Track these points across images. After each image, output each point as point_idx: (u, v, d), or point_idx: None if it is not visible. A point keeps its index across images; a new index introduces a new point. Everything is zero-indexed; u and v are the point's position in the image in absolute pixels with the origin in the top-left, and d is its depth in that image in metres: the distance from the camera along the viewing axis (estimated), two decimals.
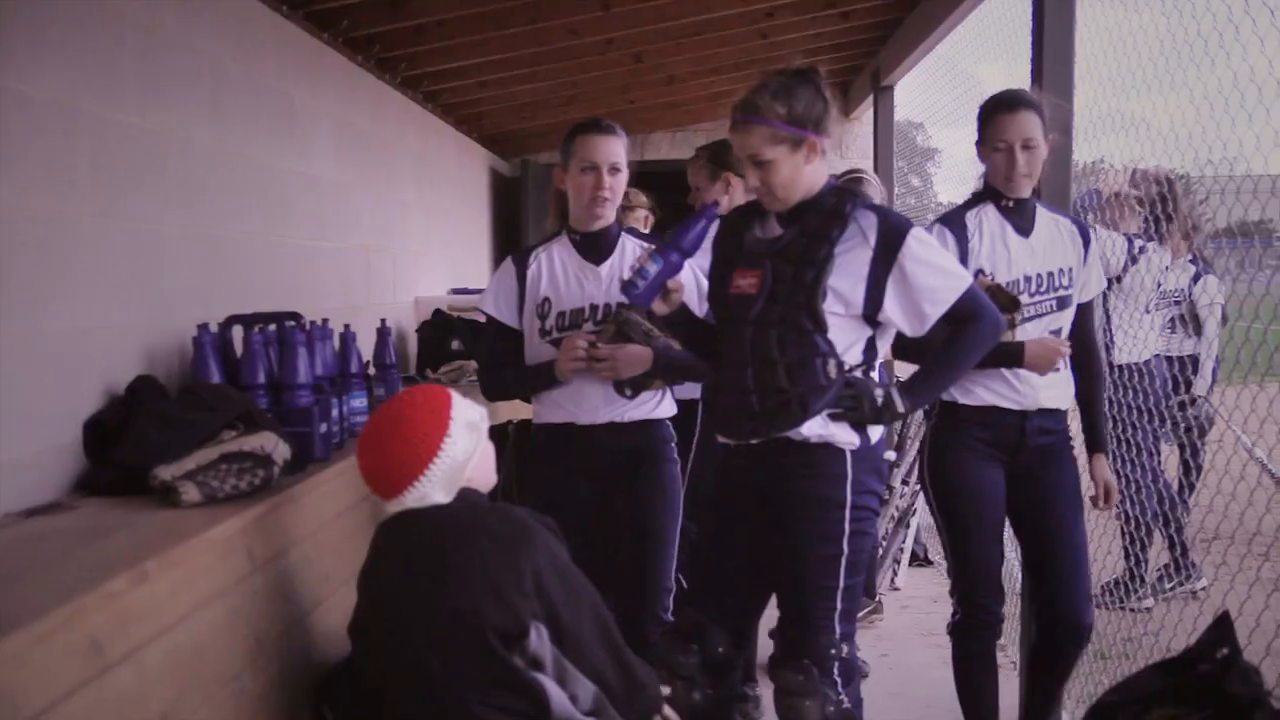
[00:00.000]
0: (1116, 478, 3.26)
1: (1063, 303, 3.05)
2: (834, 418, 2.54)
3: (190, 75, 3.15)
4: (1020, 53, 3.68)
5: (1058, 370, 3.04)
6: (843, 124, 8.37)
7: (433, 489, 2.28)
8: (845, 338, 2.53)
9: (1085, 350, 3.12)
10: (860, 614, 4.44)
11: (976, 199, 3.11)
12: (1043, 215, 3.08)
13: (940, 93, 6.17)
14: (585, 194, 3.03)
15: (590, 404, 3.05)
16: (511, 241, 7.89)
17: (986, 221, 3.06)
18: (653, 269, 2.66)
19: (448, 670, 2.16)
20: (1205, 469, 5.17)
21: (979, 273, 2.99)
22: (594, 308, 3.04)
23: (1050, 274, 3.04)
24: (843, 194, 2.58)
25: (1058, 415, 3.12)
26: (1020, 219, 3.05)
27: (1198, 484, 5.11)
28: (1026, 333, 2.99)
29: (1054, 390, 3.07)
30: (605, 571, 3.12)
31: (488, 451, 2.43)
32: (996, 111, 3.00)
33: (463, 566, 2.19)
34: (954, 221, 3.07)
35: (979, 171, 3.13)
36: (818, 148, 2.56)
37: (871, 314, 2.53)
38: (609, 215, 3.09)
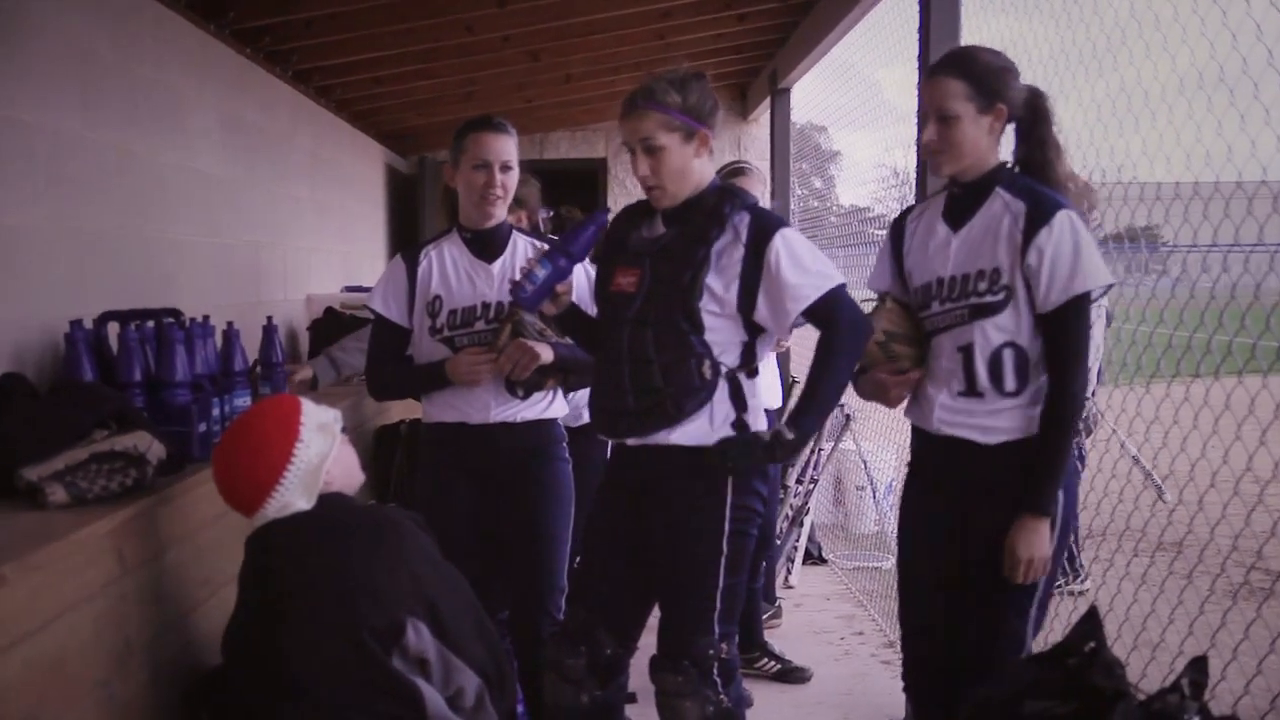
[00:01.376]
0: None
1: (979, 311, 2.49)
2: (732, 472, 2.53)
3: (61, 64, 3.05)
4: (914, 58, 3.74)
5: (896, 402, 2.72)
6: (740, 125, 8.46)
7: (293, 496, 2.27)
8: (723, 339, 2.55)
9: (1049, 375, 2.46)
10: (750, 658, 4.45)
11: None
12: (995, 201, 2.50)
13: (841, 96, 6.26)
14: (476, 191, 3.01)
15: (481, 403, 3.02)
16: (408, 239, 7.80)
17: (928, 214, 2.67)
18: (541, 273, 2.67)
19: (322, 677, 2.13)
20: (1095, 470, 5.30)
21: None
22: (485, 306, 3.02)
23: (966, 277, 2.52)
24: (724, 195, 2.60)
25: (980, 454, 2.53)
26: (960, 207, 2.57)
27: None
28: (941, 346, 2.59)
29: (957, 418, 2.57)
30: (496, 571, 3.11)
31: (345, 452, 2.41)
32: None
33: (333, 571, 2.17)
34: (899, 219, 2.77)
35: (879, 175, 3.03)
36: (708, 142, 2.60)
37: (747, 312, 2.54)
38: (500, 213, 3.07)
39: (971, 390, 2.52)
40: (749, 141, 8.44)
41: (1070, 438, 2.42)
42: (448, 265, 3.06)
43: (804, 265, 2.51)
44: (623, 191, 8.43)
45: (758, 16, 6.09)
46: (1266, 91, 2.42)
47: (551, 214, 4.09)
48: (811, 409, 2.50)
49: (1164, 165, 2.93)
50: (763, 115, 7.87)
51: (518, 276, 2.72)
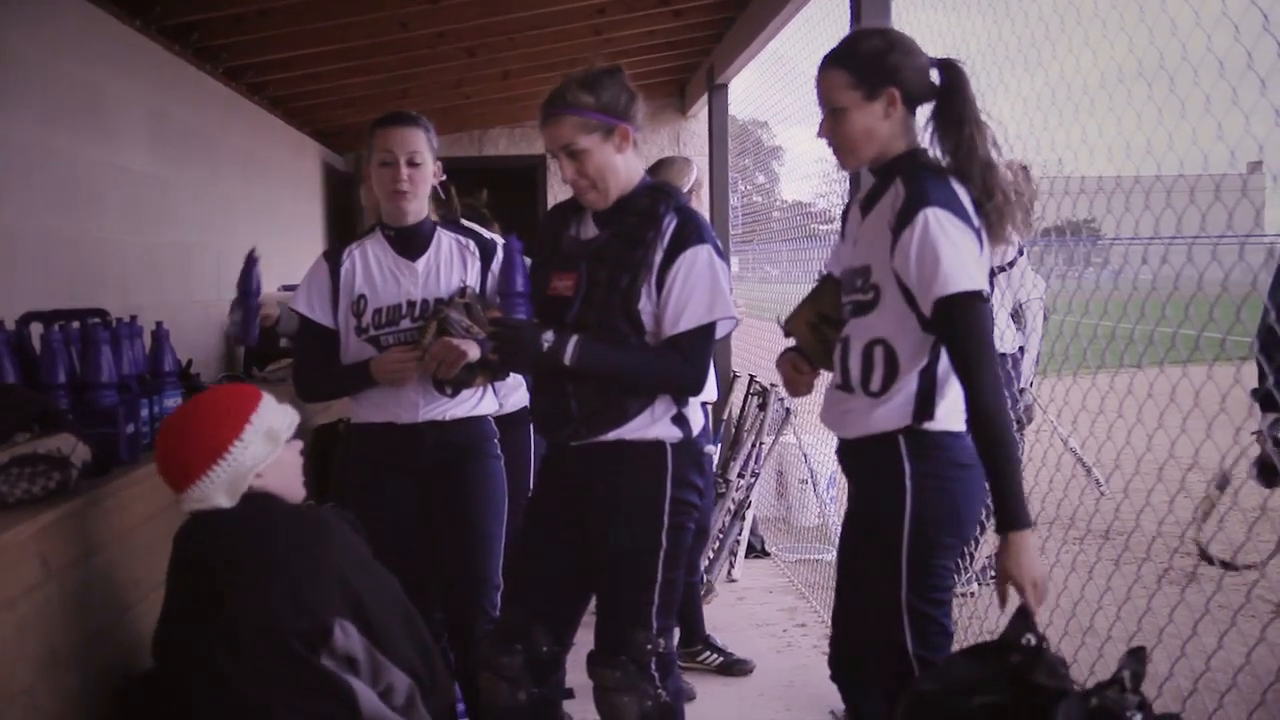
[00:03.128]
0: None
1: (859, 308, 2.40)
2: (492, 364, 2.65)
3: None
4: None
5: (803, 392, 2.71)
6: (679, 121, 8.48)
7: (213, 491, 2.25)
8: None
9: (962, 385, 2.30)
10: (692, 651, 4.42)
11: None
12: (890, 192, 2.36)
13: (781, 92, 6.29)
14: (385, 187, 2.98)
15: (410, 403, 3.00)
16: (346, 236, 7.71)
17: (854, 207, 2.55)
18: None
19: (248, 680, 2.11)
20: (1024, 460, 5.36)
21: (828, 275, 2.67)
22: (411, 304, 2.99)
23: (853, 271, 2.44)
24: (656, 194, 2.60)
25: (847, 446, 2.53)
26: (872, 196, 2.44)
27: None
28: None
29: (830, 410, 2.55)
30: (431, 571, 3.09)
31: (287, 461, 2.36)
32: None
33: (257, 573, 2.15)
34: (851, 203, 2.64)
35: (824, 170, 2.93)
36: (629, 136, 2.58)
37: None
38: (412, 209, 3.02)
39: (845, 384, 2.45)
40: (688, 137, 8.46)
41: (1003, 439, 2.23)
42: (371, 264, 3.03)
43: (703, 289, 2.51)
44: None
45: (693, 12, 6.10)
46: (1182, 85, 2.45)
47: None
48: (601, 366, 2.53)
49: (1088, 158, 2.96)
50: (701, 111, 7.89)
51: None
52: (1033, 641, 2.14)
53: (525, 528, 2.78)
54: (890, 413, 2.35)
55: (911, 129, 2.41)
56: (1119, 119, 2.75)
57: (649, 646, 2.57)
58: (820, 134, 2.44)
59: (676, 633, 2.78)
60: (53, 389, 2.71)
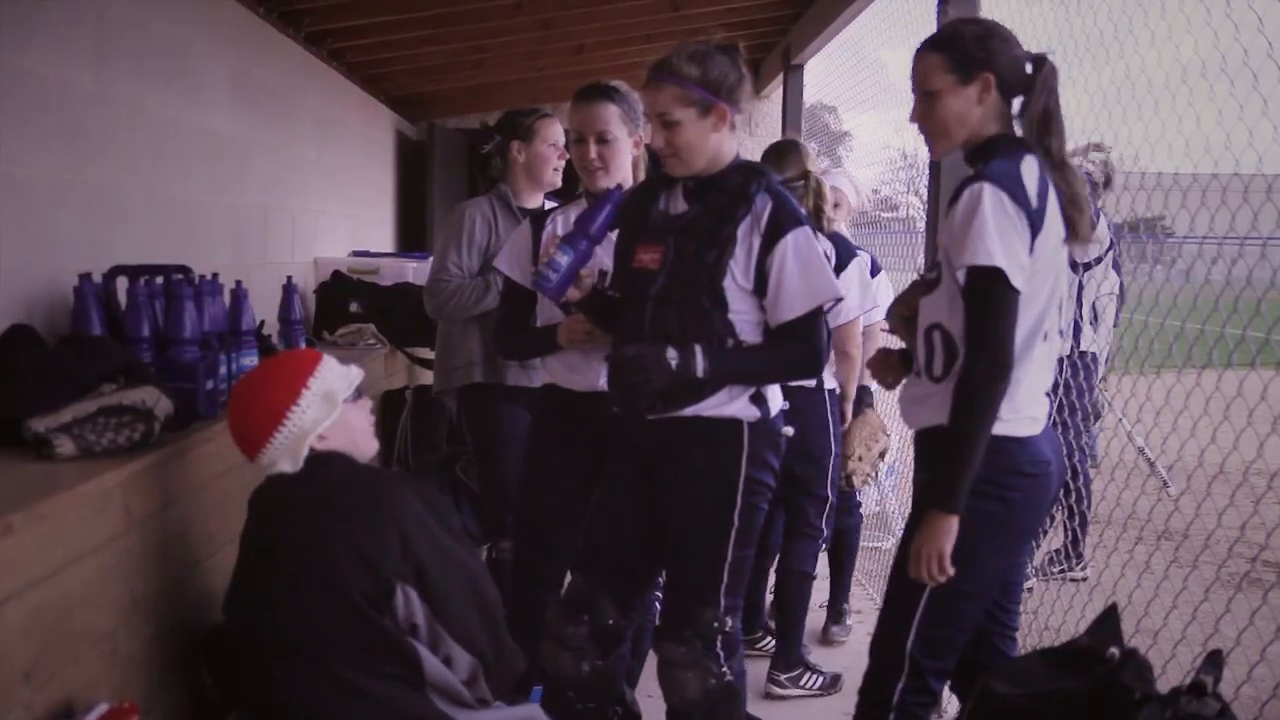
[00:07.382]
0: None
1: (926, 288, 2.42)
2: (625, 400, 2.54)
3: (72, 17, 3.03)
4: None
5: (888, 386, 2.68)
6: (753, 101, 8.40)
7: (278, 456, 2.31)
8: (744, 317, 2.53)
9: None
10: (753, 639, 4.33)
11: None
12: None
13: (851, 76, 6.23)
14: (579, 162, 3.01)
15: (592, 370, 2.95)
16: (417, 205, 7.76)
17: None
18: (563, 259, 2.65)
19: (316, 638, 2.14)
20: (1100, 456, 5.29)
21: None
22: (603, 273, 2.93)
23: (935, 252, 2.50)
24: (749, 173, 2.57)
25: (920, 435, 2.50)
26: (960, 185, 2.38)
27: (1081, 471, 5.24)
28: None
29: (906, 405, 2.52)
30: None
31: (352, 421, 2.39)
32: None
33: (319, 534, 2.19)
34: None
35: (891, 156, 2.91)
36: (727, 116, 2.53)
37: (762, 295, 2.52)
38: (608, 182, 2.98)
39: (916, 370, 2.45)
40: (760, 118, 8.38)
41: (970, 424, 2.20)
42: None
43: (811, 272, 2.49)
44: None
45: None
46: (1265, 82, 2.39)
47: None
48: (732, 369, 2.53)
49: (1166, 152, 2.91)
50: (775, 92, 7.81)
51: (539, 267, 2.70)
52: (1117, 655, 2.10)
53: (597, 499, 2.78)
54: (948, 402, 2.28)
55: (1006, 117, 2.38)
56: (1198, 115, 2.72)
57: (715, 624, 2.57)
58: (912, 119, 2.42)
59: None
60: (137, 342, 2.76)
